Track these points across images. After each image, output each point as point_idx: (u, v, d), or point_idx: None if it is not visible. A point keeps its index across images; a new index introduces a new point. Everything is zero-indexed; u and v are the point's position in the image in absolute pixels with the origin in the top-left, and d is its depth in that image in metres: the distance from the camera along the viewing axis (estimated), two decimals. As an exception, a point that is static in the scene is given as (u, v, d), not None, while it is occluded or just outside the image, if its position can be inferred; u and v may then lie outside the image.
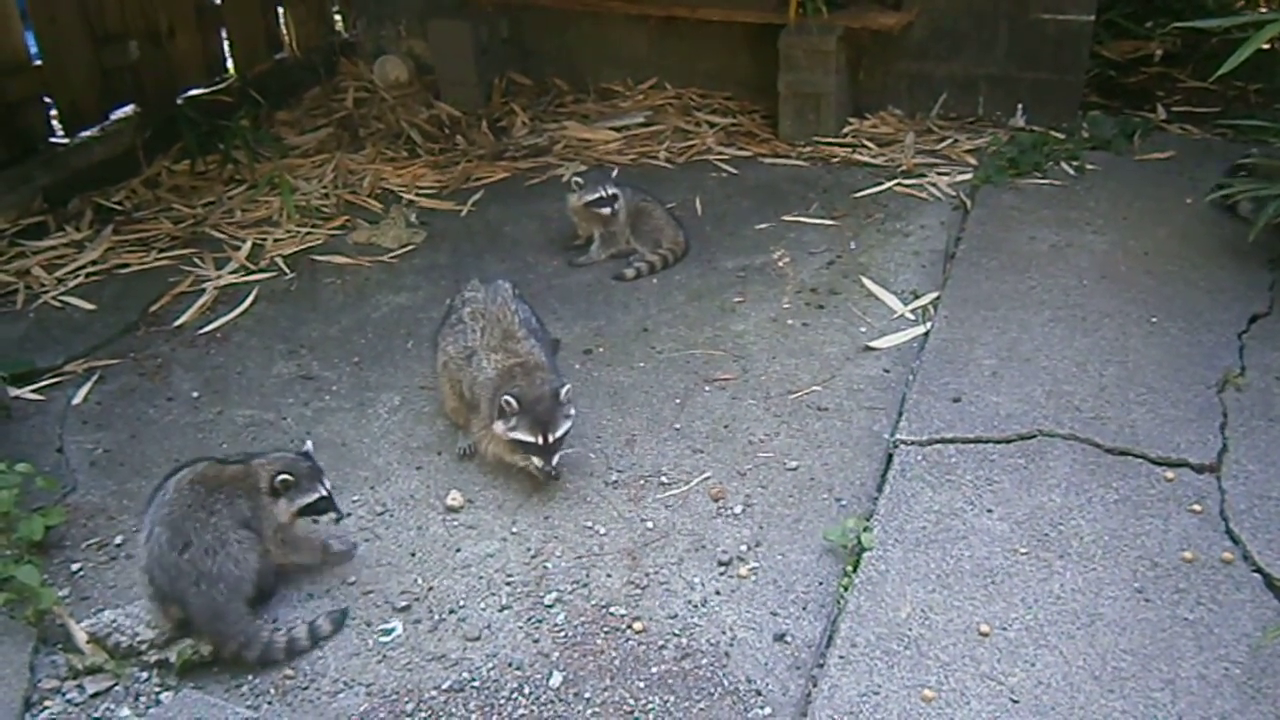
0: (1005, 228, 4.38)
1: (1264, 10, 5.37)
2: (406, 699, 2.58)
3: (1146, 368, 3.45)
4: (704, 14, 5.53)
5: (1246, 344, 3.54)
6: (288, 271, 4.55)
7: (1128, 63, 5.80)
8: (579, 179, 4.46)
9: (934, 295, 4.02)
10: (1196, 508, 2.89)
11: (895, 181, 4.96)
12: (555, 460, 3.12)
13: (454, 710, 2.55)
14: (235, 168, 5.40)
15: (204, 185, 5.30)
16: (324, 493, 2.85)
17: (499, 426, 3.13)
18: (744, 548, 2.98)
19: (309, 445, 2.98)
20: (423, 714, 2.54)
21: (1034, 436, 3.18)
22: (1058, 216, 4.44)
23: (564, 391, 3.14)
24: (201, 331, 4.15)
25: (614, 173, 4.50)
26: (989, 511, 2.93)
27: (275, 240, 4.79)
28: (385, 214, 4.97)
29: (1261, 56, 3.90)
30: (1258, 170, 4.18)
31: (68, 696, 2.61)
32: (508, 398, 3.09)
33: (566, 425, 3.14)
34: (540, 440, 3.09)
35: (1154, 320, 3.70)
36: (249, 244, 4.72)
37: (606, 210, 4.38)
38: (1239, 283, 3.88)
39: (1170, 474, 3.01)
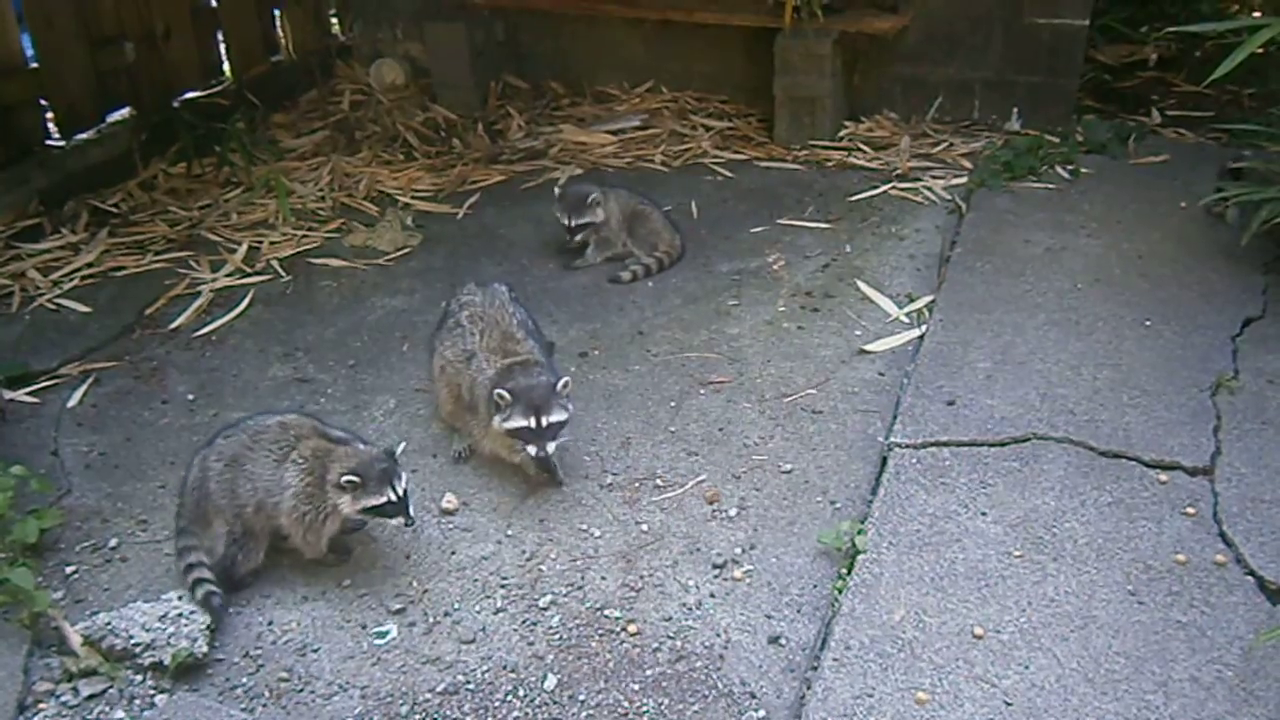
0: (1000, 231, 4.39)
1: (1258, 15, 5.38)
2: (401, 702, 2.58)
3: (1140, 371, 3.46)
4: (700, 17, 5.54)
5: (1240, 347, 3.55)
6: (283, 274, 4.55)
7: (1122, 67, 5.82)
8: (561, 197, 4.46)
9: (929, 298, 4.03)
10: (1190, 510, 2.90)
11: (890, 185, 4.97)
12: (551, 448, 3.10)
13: (448, 713, 2.55)
14: (231, 170, 5.40)
15: (200, 188, 5.30)
16: (393, 497, 2.81)
17: (495, 421, 3.14)
18: (738, 550, 2.98)
19: (401, 447, 3.01)
20: (417, 717, 2.54)
21: (1028, 439, 3.19)
22: (1052, 220, 4.45)
23: (561, 384, 3.14)
24: (197, 334, 4.15)
25: (592, 197, 4.40)
26: (983, 514, 2.93)
27: (271, 243, 4.79)
28: (381, 217, 4.97)
29: (1255, 61, 3.93)
30: (1250, 174, 4.20)
31: (62, 699, 2.61)
32: (500, 391, 3.10)
33: (562, 415, 3.12)
34: (533, 424, 3.08)
35: (1148, 323, 3.71)
36: (245, 247, 4.72)
37: (578, 238, 4.43)
38: (1232, 286, 3.89)
39: (1163, 477, 3.02)
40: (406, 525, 2.87)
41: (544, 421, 3.08)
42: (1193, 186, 4.55)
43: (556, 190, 4.51)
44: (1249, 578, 2.68)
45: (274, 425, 2.97)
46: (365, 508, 2.82)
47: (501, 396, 3.11)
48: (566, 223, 4.39)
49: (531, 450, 3.11)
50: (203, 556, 2.87)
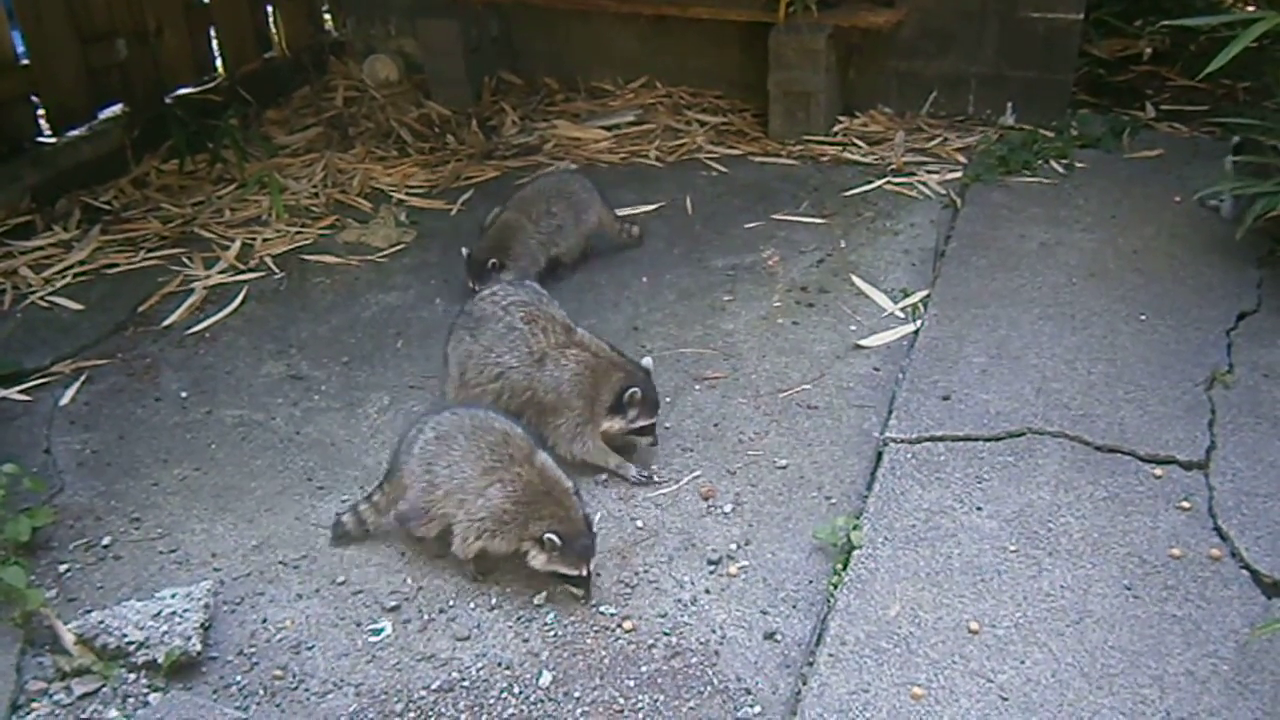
0: (995, 226, 4.38)
1: (1252, 9, 5.38)
2: (396, 699, 2.58)
3: (1135, 365, 3.46)
4: (694, 12, 5.52)
5: (1234, 341, 3.55)
6: (277, 271, 4.53)
7: (1117, 61, 5.80)
8: (467, 261, 4.12)
9: (924, 293, 4.03)
10: (1185, 505, 2.90)
11: (885, 180, 4.96)
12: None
13: (443, 710, 2.54)
14: (224, 167, 5.38)
15: (193, 185, 5.27)
16: (584, 573, 2.77)
17: (618, 422, 3.19)
18: (734, 546, 2.98)
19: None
20: (412, 714, 2.54)
21: (1023, 434, 3.19)
22: (1047, 214, 4.44)
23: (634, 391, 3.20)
24: (190, 331, 4.13)
25: (490, 262, 4.08)
26: (978, 509, 2.93)
27: (264, 240, 4.77)
28: (375, 213, 4.95)
29: (1249, 54, 3.91)
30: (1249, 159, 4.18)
31: (55, 698, 2.60)
32: (633, 390, 3.17)
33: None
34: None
35: (1143, 318, 3.71)
36: (238, 243, 4.70)
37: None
38: (1227, 280, 3.89)
39: (1159, 471, 3.02)
40: (582, 600, 2.81)
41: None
42: (1188, 180, 4.54)
43: (464, 252, 4.14)
44: (1244, 572, 2.68)
45: (499, 431, 2.91)
46: (554, 572, 2.77)
47: (633, 395, 3.14)
48: (473, 287, 3.99)
49: (647, 441, 3.27)
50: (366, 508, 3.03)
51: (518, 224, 4.25)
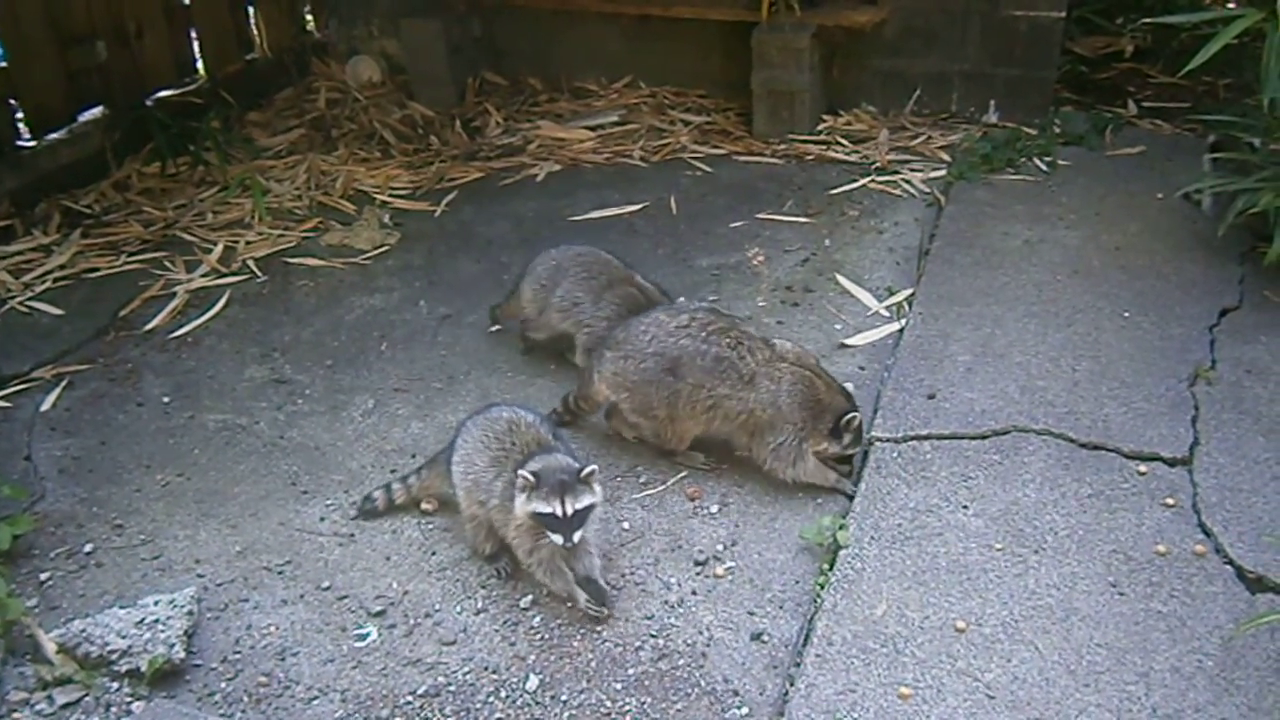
0: (979, 224, 4.39)
1: (1232, 6, 5.41)
2: (381, 705, 2.56)
3: (1119, 362, 3.47)
4: (677, 12, 5.52)
5: (1217, 338, 3.57)
6: (260, 274, 4.51)
7: (1099, 59, 5.83)
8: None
9: (908, 292, 4.03)
10: (1169, 501, 2.91)
11: (869, 178, 4.97)
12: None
13: (429, 715, 2.53)
14: (206, 170, 5.34)
15: (174, 187, 5.24)
16: (559, 512, 2.66)
17: (832, 446, 3.10)
18: (720, 547, 2.97)
19: (592, 468, 2.77)
20: (398, 719, 2.52)
21: (1008, 432, 3.19)
22: (1030, 212, 4.46)
23: None
24: (172, 336, 4.10)
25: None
26: (964, 507, 2.94)
27: (247, 243, 4.74)
28: (358, 215, 4.93)
29: (1230, 52, 3.93)
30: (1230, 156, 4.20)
31: (37, 708, 2.57)
32: (851, 415, 3.10)
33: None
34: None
35: (1126, 315, 3.72)
36: (220, 247, 4.67)
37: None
38: (1209, 277, 3.91)
39: (1143, 468, 3.03)
40: (564, 545, 2.69)
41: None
42: (1169, 177, 4.56)
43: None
44: (1228, 567, 2.70)
45: (504, 421, 2.91)
46: (533, 511, 2.69)
47: (851, 421, 3.08)
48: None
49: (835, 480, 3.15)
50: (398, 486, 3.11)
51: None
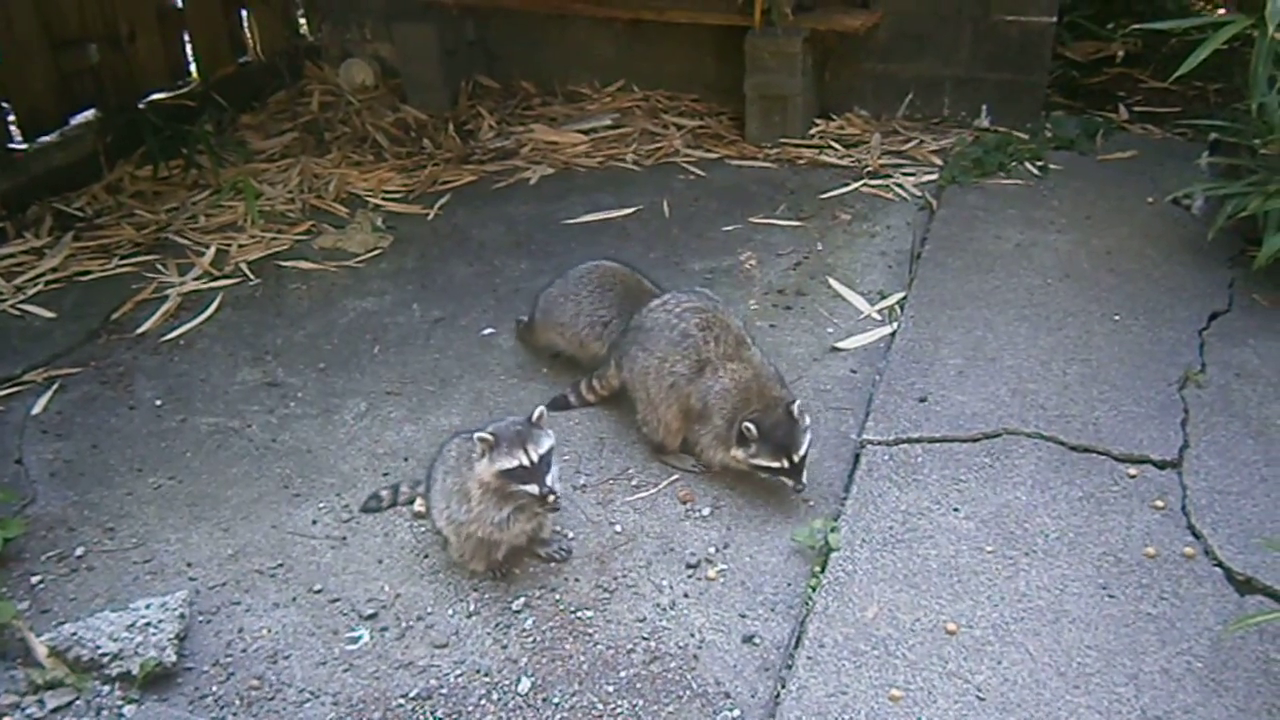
0: (970, 228, 4.41)
1: (1222, 12, 5.44)
2: (373, 708, 2.56)
3: (1109, 365, 3.48)
4: (671, 16, 5.53)
5: (1207, 341, 3.58)
6: (252, 277, 4.50)
7: (1090, 63, 5.86)
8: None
9: (900, 295, 4.04)
10: (1159, 504, 2.92)
11: (862, 182, 4.98)
12: (804, 478, 3.05)
13: (421, 718, 2.53)
14: (199, 173, 5.34)
15: (167, 190, 5.23)
16: (524, 462, 2.69)
17: (738, 453, 3.08)
18: (712, 550, 2.98)
19: (540, 411, 2.79)
20: (390, 722, 2.53)
21: (999, 435, 3.20)
22: (1022, 216, 4.47)
23: (796, 407, 3.04)
24: (165, 339, 4.09)
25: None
26: (955, 510, 2.95)
27: (240, 246, 4.74)
28: (351, 218, 4.93)
29: (1220, 57, 3.96)
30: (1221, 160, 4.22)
31: (28, 712, 2.56)
32: (748, 424, 3.02)
33: (808, 440, 3.05)
34: (785, 464, 3.02)
35: (1116, 318, 3.74)
36: (213, 250, 4.67)
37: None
38: (1199, 280, 3.93)
39: (1133, 471, 3.04)
40: (543, 495, 2.70)
41: (795, 459, 3.01)
42: (1160, 182, 4.59)
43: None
44: (1217, 569, 2.71)
45: (458, 439, 2.89)
46: (499, 470, 2.68)
47: (748, 430, 3.02)
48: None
49: (789, 482, 3.05)
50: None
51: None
